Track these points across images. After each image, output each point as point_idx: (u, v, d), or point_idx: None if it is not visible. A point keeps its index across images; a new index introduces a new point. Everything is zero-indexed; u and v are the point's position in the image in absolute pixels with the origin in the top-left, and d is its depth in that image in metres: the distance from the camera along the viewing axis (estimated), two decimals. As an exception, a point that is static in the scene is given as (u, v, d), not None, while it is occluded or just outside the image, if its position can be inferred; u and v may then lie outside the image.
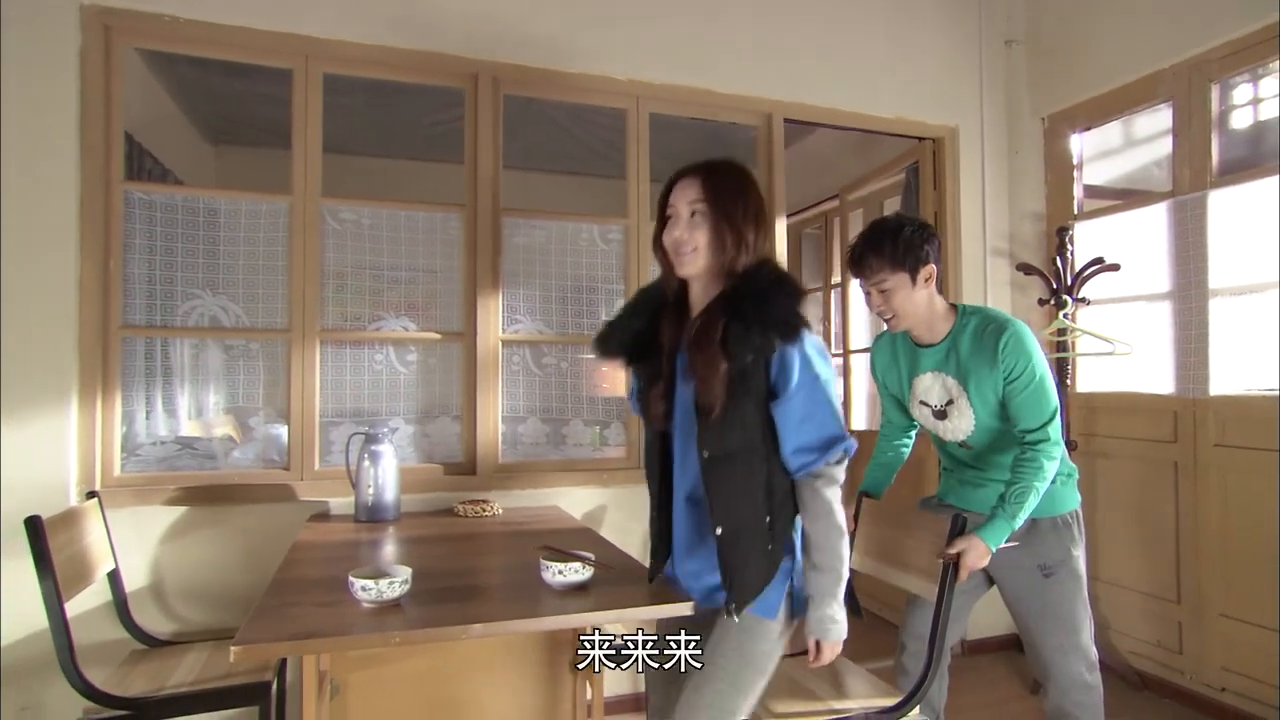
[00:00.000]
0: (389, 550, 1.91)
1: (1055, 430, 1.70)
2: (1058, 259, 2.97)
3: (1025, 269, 3.06)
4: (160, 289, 2.32)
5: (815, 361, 1.30)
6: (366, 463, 2.19)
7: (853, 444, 1.32)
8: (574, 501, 2.60)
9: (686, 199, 1.34)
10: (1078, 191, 3.16)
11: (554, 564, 1.47)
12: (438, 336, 2.58)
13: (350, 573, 1.38)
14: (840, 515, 1.33)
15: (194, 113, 4.01)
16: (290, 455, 2.36)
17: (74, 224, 2.13)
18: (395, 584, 1.36)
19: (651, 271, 2.79)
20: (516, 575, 1.68)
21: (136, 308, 2.29)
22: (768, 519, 1.33)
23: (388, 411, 2.53)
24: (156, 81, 3.59)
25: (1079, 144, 3.16)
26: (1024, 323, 1.76)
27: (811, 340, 1.30)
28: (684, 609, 1.41)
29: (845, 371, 3.98)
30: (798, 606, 1.39)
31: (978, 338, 1.75)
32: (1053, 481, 1.78)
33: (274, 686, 1.79)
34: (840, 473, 1.33)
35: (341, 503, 2.32)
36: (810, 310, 4.87)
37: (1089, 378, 3.09)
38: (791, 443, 1.31)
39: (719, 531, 1.32)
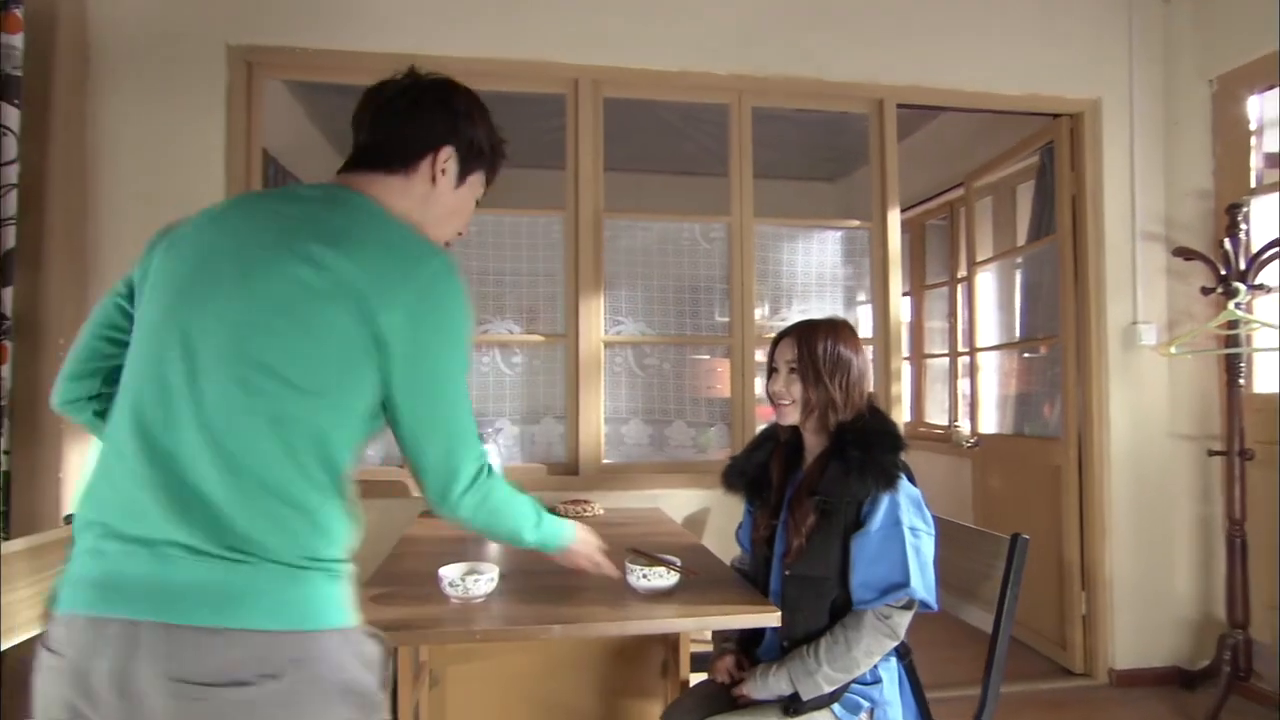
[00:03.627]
0: (490, 547, 1.97)
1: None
2: (1228, 241, 2.60)
3: (1185, 254, 2.70)
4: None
5: (905, 509, 1.38)
6: (473, 460, 2.27)
7: (919, 597, 1.35)
8: (676, 504, 2.57)
9: (785, 358, 1.52)
10: (1255, 162, 2.74)
11: (638, 568, 1.45)
12: (541, 339, 2.64)
13: (440, 568, 1.42)
14: (862, 656, 1.35)
15: (333, 136, 4.34)
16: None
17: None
18: (481, 581, 1.39)
19: (758, 271, 2.73)
20: (608, 578, 1.68)
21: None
22: None
23: (494, 412, 2.61)
24: (300, 109, 3.92)
25: (1258, 107, 2.75)
26: None
27: (908, 490, 1.41)
28: (772, 619, 1.35)
29: (973, 369, 3.69)
30: None
31: None
32: None
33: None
34: (898, 619, 1.37)
35: (451, 499, 2.41)
36: (935, 306, 4.59)
37: (1269, 377, 2.68)
38: (859, 576, 1.38)
39: (785, 645, 1.43)
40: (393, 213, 1.02)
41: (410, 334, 0.92)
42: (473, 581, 1.39)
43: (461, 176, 1.13)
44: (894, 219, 2.76)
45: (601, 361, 2.62)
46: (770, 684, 1.39)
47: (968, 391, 3.88)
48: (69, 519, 1.75)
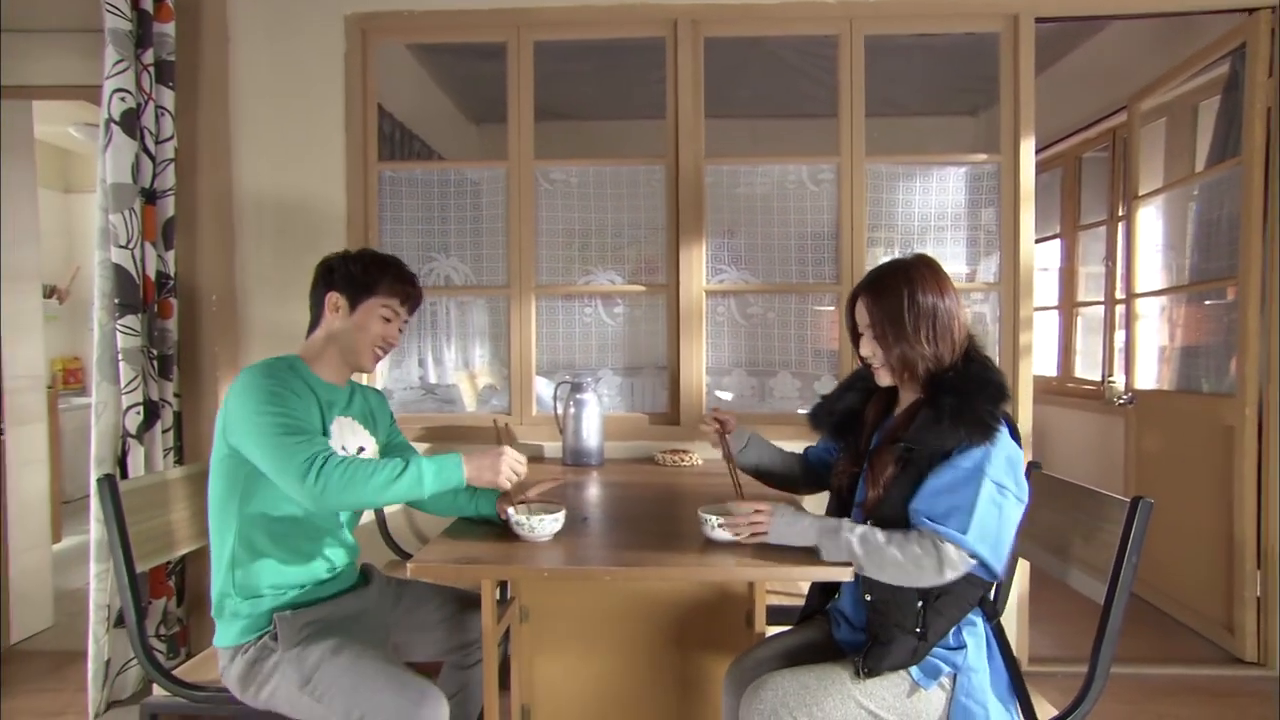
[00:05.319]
0: (589, 492, 2.03)
1: None
2: None
3: None
4: (407, 254, 2.66)
5: (995, 463, 1.24)
6: (572, 410, 2.34)
7: (972, 549, 1.22)
8: (778, 457, 2.50)
9: (862, 321, 1.40)
10: None
11: (711, 517, 1.44)
12: (643, 289, 2.63)
13: (510, 507, 1.48)
14: (890, 561, 1.25)
15: (457, 97, 4.51)
16: (511, 402, 2.61)
17: (342, 200, 2.54)
18: (546, 522, 1.45)
19: (879, 214, 2.55)
20: (691, 524, 1.68)
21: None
22: (919, 604, 1.28)
23: (596, 363, 2.66)
24: (426, 74, 4.10)
25: None
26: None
27: (1007, 447, 1.27)
28: (844, 574, 1.30)
29: (1130, 318, 3.27)
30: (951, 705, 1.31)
31: None
32: None
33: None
34: (951, 558, 1.23)
35: (555, 446, 2.51)
36: (1091, 249, 4.10)
37: None
38: (919, 503, 1.27)
39: (868, 598, 1.33)
40: (315, 355, 1.58)
41: (230, 420, 1.43)
42: (537, 522, 1.45)
43: (353, 306, 1.57)
44: (1027, 150, 2.46)
45: (703, 311, 2.58)
46: (796, 526, 1.32)
47: (1124, 343, 3.46)
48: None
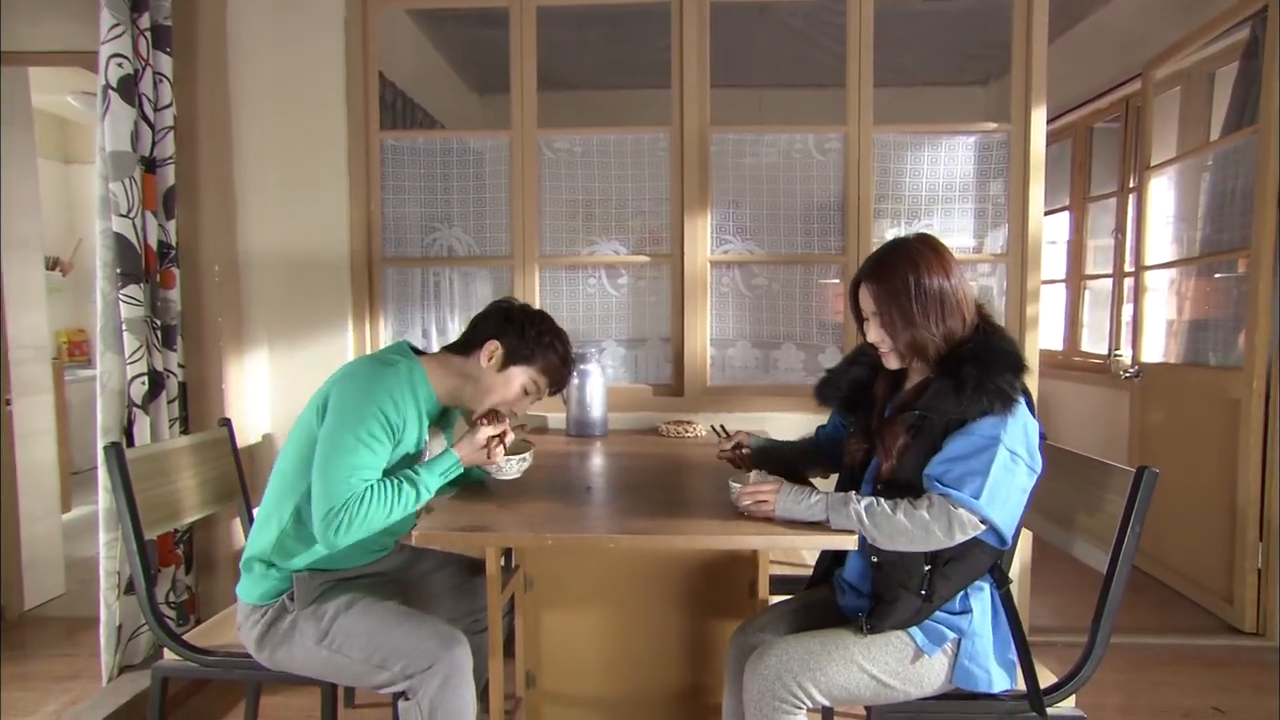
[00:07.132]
0: (593, 462, 2.04)
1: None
2: None
3: None
4: (409, 224, 2.65)
5: (1012, 432, 1.25)
6: (576, 381, 2.34)
7: (984, 515, 1.23)
8: (783, 427, 2.50)
9: (868, 309, 1.37)
10: None
11: (738, 485, 1.43)
12: (647, 259, 2.62)
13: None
14: (899, 529, 1.26)
15: (459, 66, 4.45)
16: (515, 372, 2.60)
17: (344, 169, 2.52)
18: (513, 462, 1.55)
19: (887, 184, 2.52)
20: (694, 494, 1.69)
21: (392, 241, 2.64)
22: (926, 568, 1.29)
23: (600, 334, 2.65)
24: (428, 42, 4.03)
25: None
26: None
27: (1026, 419, 1.27)
28: (848, 543, 1.30)
29: (1138, 291, 3.24)
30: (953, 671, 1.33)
31: None
32: None
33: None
34: (962, 519, 1.24)
35: (559, 418, 2.51)
36: (1100, 221, 4.05)
37: None
38: (934, 469, 1.28)
39: (874, 559, 1.34)
40: (444, 376, 1.56)
41: (328, 408, 1.44)
42: (505, 462, 1.53)
43: (504, 365, 1.56)
44: (1038, 119, 2.41)
45: (708, 281, 2.57)
46: (803, 502, 1.32)
47: (1132, 317, 3.44)
48: (223, 422, 2.01)
